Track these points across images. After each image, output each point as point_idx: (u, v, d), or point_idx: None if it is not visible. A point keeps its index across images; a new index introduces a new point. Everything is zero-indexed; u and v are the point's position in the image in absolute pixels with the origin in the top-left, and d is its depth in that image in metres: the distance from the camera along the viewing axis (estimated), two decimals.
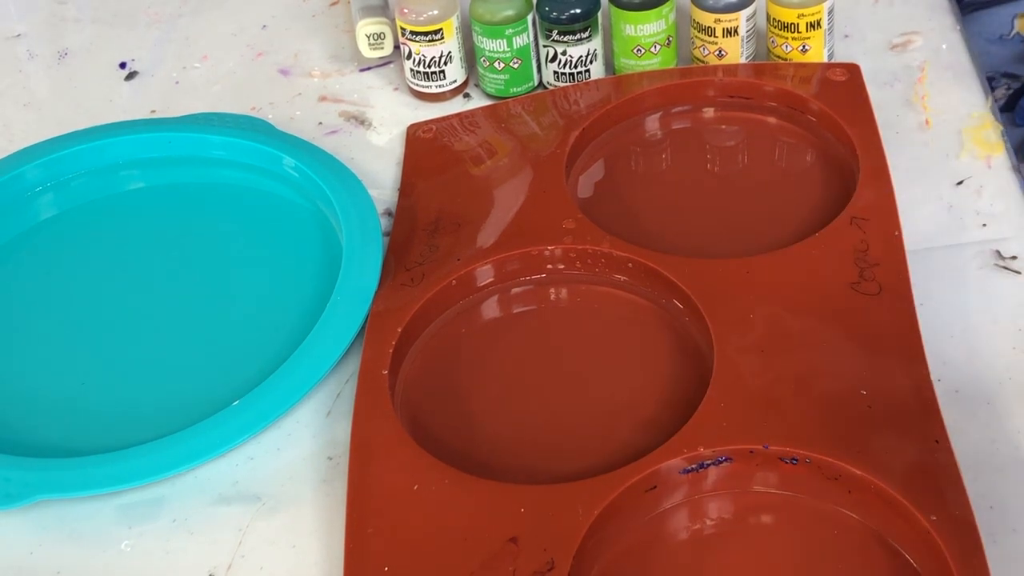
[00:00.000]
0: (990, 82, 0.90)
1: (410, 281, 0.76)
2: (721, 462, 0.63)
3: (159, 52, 1.02)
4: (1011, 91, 1.06)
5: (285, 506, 0.68)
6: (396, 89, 0.94)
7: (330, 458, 0.70)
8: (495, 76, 0.89)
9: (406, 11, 0.88)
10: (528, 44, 0.88)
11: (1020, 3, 1.06)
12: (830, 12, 0.84)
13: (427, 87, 0.91)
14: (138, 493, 0.69)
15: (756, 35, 0.87)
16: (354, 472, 0.66)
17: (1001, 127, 0.82)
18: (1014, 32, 1.06)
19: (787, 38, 0.85)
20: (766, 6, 0.85)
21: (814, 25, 0.84)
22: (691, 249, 0.76)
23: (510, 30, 0.87)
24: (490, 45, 0.88)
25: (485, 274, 0.76)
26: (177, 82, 0.98)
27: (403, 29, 0.89)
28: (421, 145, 0.87)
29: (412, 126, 0.89)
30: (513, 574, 0.60)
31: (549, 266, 0.76)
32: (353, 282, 0.76)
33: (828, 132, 0.82)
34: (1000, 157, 0.80)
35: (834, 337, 0.68)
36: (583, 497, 0.62)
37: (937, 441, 0.62)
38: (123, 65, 1.01)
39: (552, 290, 0.76)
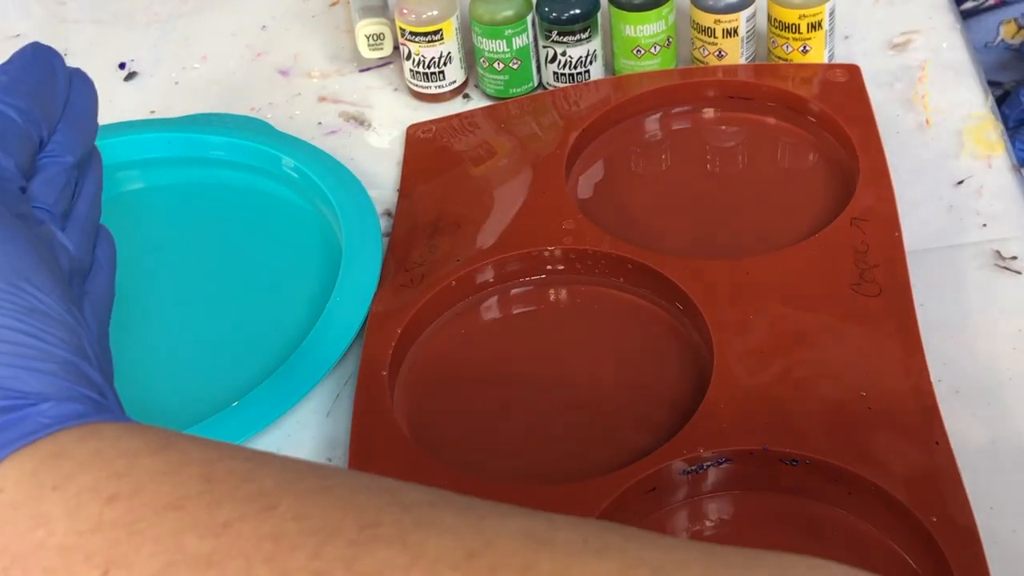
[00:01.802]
0: None
1: (410, 282, 0.76)
2: (721, 463, 0.63)
3: (159, 52, 1.02)
4: (994, 98, 1.06)
5: None
6: (396, 90, 0.94)
7: (330, 459, 0.69)
8: (495, 77, 0.89)
9: (405, 11, 0.88)
10: (528, 45, 0.88)
11: (1006, 10, 1.07)
12: (831, 13, 0.84)
13: (426, 88, 0.91)
14: None
15: (756, 36, 0.87)
16: None
17: (1001, 127, 0.82)
18: (999, 39, 1.06)
19: (788, 39, 0.85)
20: (767, 6, 0.85)
21: (815, 26, 0.84)
22: (691, 249, 0.76)
23: (510, 31, 0.87)
24: (490, 46, 0.88)
25: (485, 275, 0.76)
26: (177, 82, 0.98)
27: (402, 30, 0.89)
28: (421, 146, 0.87)
29: (412, 127, 0.89)
30: None
31: (549, 267, 0.76)
32: (353, 282, 0.76)
33: (828, 133, 0.82)
34: (1000, 157, 0.80)
35: (834, 338, 0.68)
36: (583, 498, 0.62)
37: (937, 442, 0.62)
38: (123, 65, 1.01)
39: (552, 291, 0.76)
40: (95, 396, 0.48)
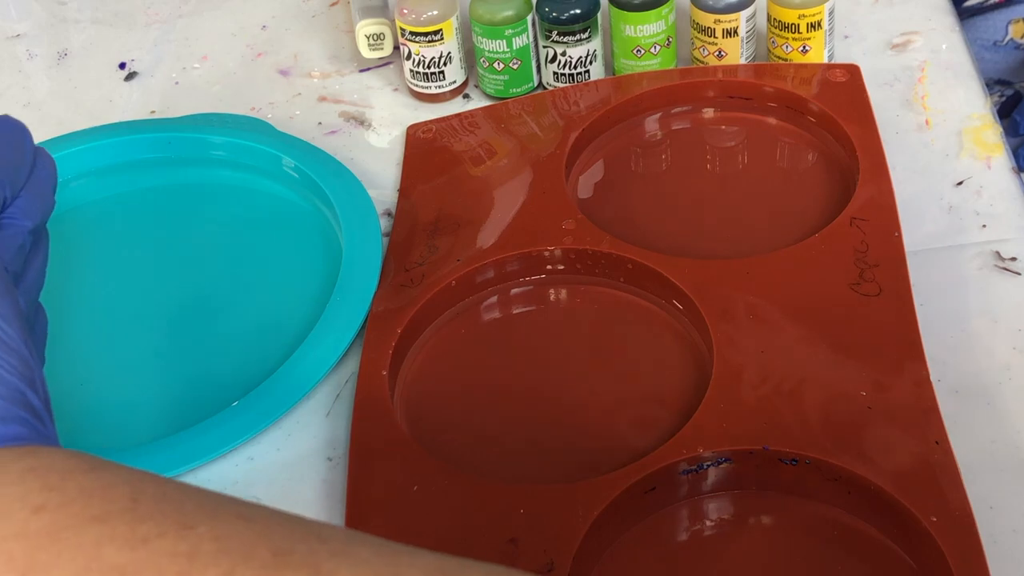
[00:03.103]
0: None
1: (410, 282, 0.76)
2: (721, 463, 0.63)
3: (159, 52, 1.02)
4: (1004, 99, 1.06)
5: (285, 507, 0.67)
6: (396, 90, 0.94)
7: (330, 459, 0.69)
8: (495, 77, 0.89)
9: (405, 11, 0.88)
10: (528, 45, 0.88)
11: (1015, 9, 1.06)
12: (831, 13, 0.84)
13: (427, 88, 0.91)
14: None
15: (756, 36, 0.87)
16: (354, 472, 0.66)
17: (1000, 128, 0.82)
18: (1008, 38, 1.06)
19: (787, 39, 0.85)
20: (767, 6, 0.86)
21: (815, 26, 0.84)
22: (691, 249, 0.76)
23: (510, 31, 0.87)
24: (490, 46, 0.88)
25: (485, 275, 0.76)
26: (177, 82, 0.98)
27: (403, 30, 0.89)
28: (421, 146, 0.87)
29: (412, 127, 0.89)
30: None
31: (549, 267, 0.76)
32: (353, 282, 0.76)
33: (828, 133, 0.82)
34: (1000, 158, 0.80)
35: (834, 338, 0.68)
36: (583, 498, 0.62)
37: (937, 442, 0.62)
38: (123, 65, 1.01)
39: (552, 291, 0.76)
40: (37, 424, 0.51)
